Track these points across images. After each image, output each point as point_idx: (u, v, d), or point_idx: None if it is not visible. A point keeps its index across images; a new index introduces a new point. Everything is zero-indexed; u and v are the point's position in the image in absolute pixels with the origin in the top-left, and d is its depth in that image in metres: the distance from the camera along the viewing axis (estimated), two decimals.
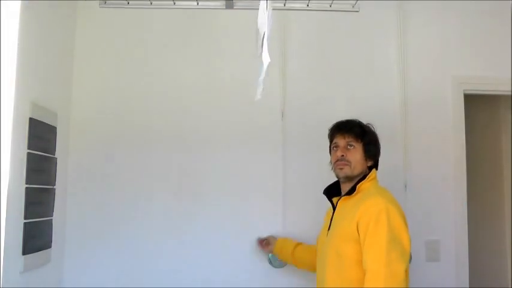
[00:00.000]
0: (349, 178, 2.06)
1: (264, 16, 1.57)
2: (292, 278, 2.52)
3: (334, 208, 2.11)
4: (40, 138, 2.11)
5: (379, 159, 2.16)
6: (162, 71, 2.64)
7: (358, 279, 1.86)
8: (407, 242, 1.87)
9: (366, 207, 1.90)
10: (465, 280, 2.62)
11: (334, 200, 2.13)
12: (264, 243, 2.50)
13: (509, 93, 2.76)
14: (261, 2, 1.60)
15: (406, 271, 1.85)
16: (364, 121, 2.16)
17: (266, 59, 1.51)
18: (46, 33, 2.24)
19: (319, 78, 2.69)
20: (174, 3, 2.14)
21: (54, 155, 2.29)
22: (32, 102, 2.03)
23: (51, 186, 2.27)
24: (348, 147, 2.06)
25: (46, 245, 2.21)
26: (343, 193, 2.10)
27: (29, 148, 1.99)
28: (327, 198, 2.16)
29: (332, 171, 2.13)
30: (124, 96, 2.61)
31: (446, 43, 2.77)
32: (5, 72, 1.82)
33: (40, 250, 2.12)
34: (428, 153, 2.69)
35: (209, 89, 2.64)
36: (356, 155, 2.05)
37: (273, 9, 1.58)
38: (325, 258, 2.01)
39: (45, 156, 2.17)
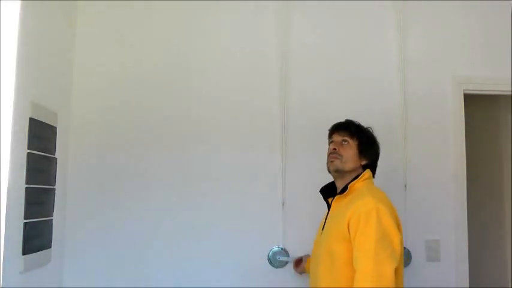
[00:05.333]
0: (340, 172, 2.07)
1: None
2: (292, 278, 2.52)
3: (328, 208, 2.12)
4: (40, 138, 2.11)
5: (378, 162, 2.15)
6: (162, 71, 2.63)
7: (350, 278, 1.86)
8: (397, 242, 1.86)
9: (356, 207, 1.91)
10: (465, 280, 2.62)
11: (330, 199, 2.14)
12: (297, 262, 2.48)
13: (509, 93, 2.76)
14: None
15: (399, 272, 1.86)
16: (365, 121, 2.17)
17: None
18: (46, 33, 2.23)
19: (319, 79, 2.69)
20: None
21: (54, 155, 2.29)
22: (32, 102, 2.03)
23: (51, 186, 2.27)
24: (343, 142, 2.09)
25: (46, 245, 2.21)
26: (337, 192, 2.11)
27: (29, 148, 1.99)
28: (322, 198, 2.17)
29: (327, 167, 2.14)
30: (124, 96, 2.61)
31: (446, 43, 2.77)
32: (5, 72, 1.82)
33: (40, 250, 2.12)
34: (428, 153, 2.69)
35: (209, 90, 2.64)
36: (349, 150, 2.07)
37: None
38: (319, 258, 2.01)
39: (45, 156, 2.17)
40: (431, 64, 2.75)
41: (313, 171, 2.53)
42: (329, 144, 2.15)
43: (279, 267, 2.53)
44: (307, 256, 2.42)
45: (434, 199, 2.66)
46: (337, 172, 2.08)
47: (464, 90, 2.73)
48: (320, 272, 1.98)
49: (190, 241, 2.54)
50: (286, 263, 2.53)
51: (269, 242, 2.56)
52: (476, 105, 3.06)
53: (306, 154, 2.61)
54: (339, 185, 2.09)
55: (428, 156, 2.69)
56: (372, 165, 2.12)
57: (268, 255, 2.55)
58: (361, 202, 1.92)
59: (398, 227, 1.92)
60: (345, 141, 2.08)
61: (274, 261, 2.53)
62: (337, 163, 2.06)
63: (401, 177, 2.64)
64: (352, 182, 2.03)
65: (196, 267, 2.52)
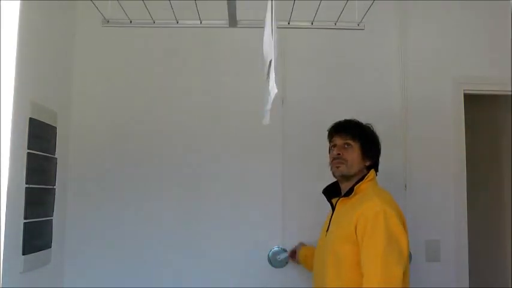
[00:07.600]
0: (345, 177, 2.07)
1: (269, 43, 1.45)
2: (292, 278, 2.52)
3: (333, 209, 2.12)
4: (40, 138, 2.11)
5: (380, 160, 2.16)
6: (163, 71, 2.63)
7: (356, 280, 1.86)
8: (405, 244, 1.87)
9: (363, 209, 1.91)
10: (465, 280, 2.62)
11: (334, 200, 2.13)
12: (292, 254, 2.49)
13: (509, 93, 2.76)
14: (266, 22, 1.50)
15: (405, 273, 1.86)
16: (365, 121, 2.17)
17: (273, 89, 1.39)
18: (46, 33, 2.24)
19: (319, 79, 2.69)
20: (177, 22, 2.09)
21: (54, 155, 2.29)
22: (32, 102, 2.03)
23: (51, 186, 2.27)
24: (345, 146, 2.08)
25: (46, 245, 2.21)
26: (342, 193, 2.10)
27: (29, 148, 1.99)
28: (326, 199, 2.17)
29: (331, 172, 2.14)
30: (124, 96, 2.61)
31: (446, 43, 2.77)
32: (5, 72, 1.82)
33: (40, 250, 2.12)
34: (428, 153, 2.69)
35: (210, 94, 2.64)
36: (353, 154, 2.07)
37: (277, 27, 1.47)
38: (324, 259, 2.01)
39: (45, 156, 2.17)
40: (432, 64, 2.75)
41: (313, 171, 2.54)
42: (330, 147, 2.15)
43: (279, 267, 2.52)
44: (300, 245, 2.46)
45: (434, 199, 2.66)
46: (342, 177, 2.08)
47: (464, 90, 2.73)
48: (327, 274, 1.97)
49: (190, 242, 2.54)
50: (286, 262, 2.53)
51: (269, 242, 2.56)
52: (476, 105, 3.06)
53: (306, 154, 2.61)
54: (344, 187, 2.09)
55: (428, 156, 2.69)
56: (375, 165, 2.12)
57: (268, 255, 2.55)
58: (368, 204, 1.92)
59: (405, 228, 1.92)
60: (348, 144, 2.08)
61: (274, 261, 2.53)
62: (343, 168, 2.06)
63: (401, 177, 2.64)
64: (358, 184, 2.02)
65: (196, 267, 2.52)
